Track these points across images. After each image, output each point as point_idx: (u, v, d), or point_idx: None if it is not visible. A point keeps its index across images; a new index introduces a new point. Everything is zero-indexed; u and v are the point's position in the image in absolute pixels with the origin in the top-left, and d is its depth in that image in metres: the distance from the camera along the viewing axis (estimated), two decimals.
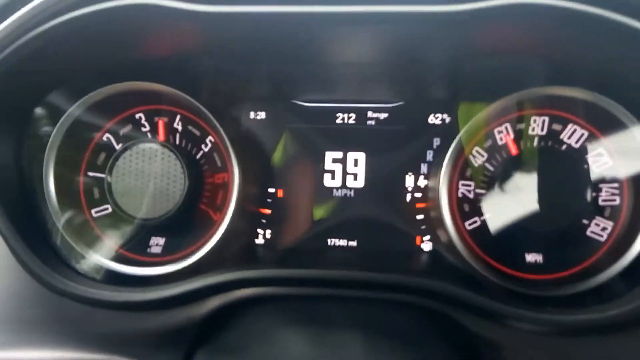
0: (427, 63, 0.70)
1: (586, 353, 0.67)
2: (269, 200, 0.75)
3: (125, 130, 0.76)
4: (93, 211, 0.76)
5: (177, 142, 0.75)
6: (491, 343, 0.69)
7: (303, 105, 0.75)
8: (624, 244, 0.69)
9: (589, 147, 0.70)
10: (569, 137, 0.70)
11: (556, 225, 0.69)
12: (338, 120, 0.74)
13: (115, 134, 0.76)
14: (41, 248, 0.72)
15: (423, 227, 0.73)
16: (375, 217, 0.74)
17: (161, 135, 0.75)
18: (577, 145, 0.70)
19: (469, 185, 0.73)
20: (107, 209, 0.75)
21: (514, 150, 0.71)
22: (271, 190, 0.75)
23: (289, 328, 0.71)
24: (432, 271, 0.72)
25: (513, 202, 0.69)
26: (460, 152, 0.73)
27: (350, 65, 0.71)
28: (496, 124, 0.72)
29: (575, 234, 0.70)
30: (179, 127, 0.75)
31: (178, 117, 0.75)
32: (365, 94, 0.74)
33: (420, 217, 0.73)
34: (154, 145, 0.73)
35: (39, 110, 0.72)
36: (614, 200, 0.70)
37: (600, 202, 0.70)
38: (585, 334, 0.66)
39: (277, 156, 0.75)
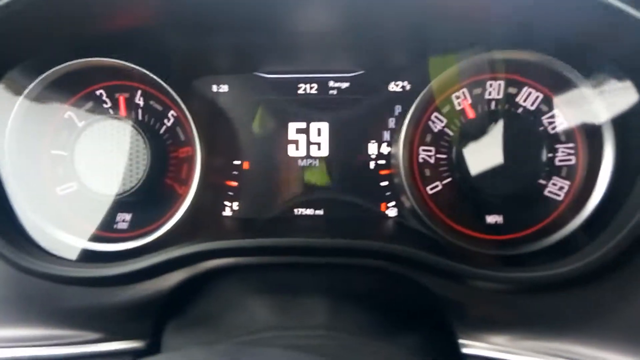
0: (385, 29, 0.71)
1: (546, 308, 0.70)
2: (234, 172, 0.75)
3: (87, 106, 0.75)
4: (58, 189, 0.75)
5: (139, 117, 0.75)
6: (454, 303, 0.71)
7: (265, 77, 0.75)
8: (580, 201, 0.72)
9: (544, 109, 0.72)
10: (525, 100, 0.72)
11: (515, 186, 0.71)
12: (300, 91, 0.75)
13: (77, 110, 0.75)
14: (6, 228, 0.72)
15: (387, 193, 0.75)
16: (340, 186, 0.75)
17: (123, 111, 0.75)
18: (532, 108, 0.72)
19: (430, 151, 0.74)
20: (72, 186, 0.75)
21: (471, 114, 0.73)
22: (236, 162, 0.75)
23: (256, 296, 0.73)
24: (397, 236, 0.74)
25: (472, 165, 0.71)
26: (419, 119, 0.74)
27: (311, 34, 0.72)
28: (453, 89, 0.73)
29: (533, 195, 0.72)
30: (141, 103, 0.75)
31: (139, 92, 0.75)
32: (326, 64, 0.75)
33: (384, 183, 0.75)
34: (116, 122, 0.73)
35: None
36: (570, 160, 0.72)
37: (557, 163, 0.72)
38: (543, 290, 0.69)
39: (241, 128, 0.75)
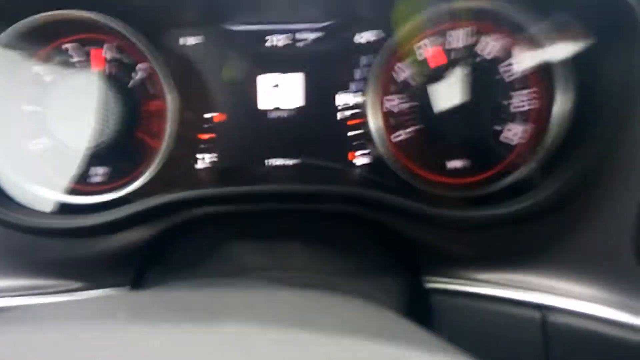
0: None
1: (506, 243, 0.76)
2: (206, 125, 0.77)
3: (56, 60, 0.75)
4: (30, 144, 0.75)
5: (109, 71, 0.75)
6: (420, 242, 0.76)
7: (233, 29, 0.76)
8: (535, 144, 0.76)
9: (502, 57, 0.76)
10: (483, 49, 0.76)
11: (474, 132, 0.76)
12: (268, 43, 0.76)
13: (46, 64, 0.75)
14: None
15: (355, 142, 0.78)
16: (311, 136, 0.78)
17: (92, 65, 0.75)
18: (490, 56, 0.76)
19: (395, 100, 0.77)
20: (43, 141, 0.75)
21: (433, 63, 0.76)
22: (208, 115, 0.77)
23: (234, 243, 0.76)
24: (365, 183, 0.77)
25: (434, 113, 0.75)
26: (385, 69, 0.77)
27: None
28: (417, 39, 0.76)
29: (492, 139, 0.76)
30: (110, 56, 0.75)
31: (108, 45, 0.75)
32: (294, 15, 0.76)
33: (352, 133, 0.78)
34: (86, 75, 0.73)
35: None
36: (524, 105, 0.76)
37: (512, 109, 0.76)
38: (502, 226, 0.75)
39: (212, 81, 0.76)
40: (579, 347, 0.71)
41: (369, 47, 0.76)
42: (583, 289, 0.73)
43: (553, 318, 0.72)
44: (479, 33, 0.75)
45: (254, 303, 0.44)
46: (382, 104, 0.77)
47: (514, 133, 0.77)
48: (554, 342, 0.71)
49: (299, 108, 0.77)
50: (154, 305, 0.42)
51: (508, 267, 0.75)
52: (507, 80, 0.76)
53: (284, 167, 0.77)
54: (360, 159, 0.78)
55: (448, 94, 0.74)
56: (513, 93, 0.76)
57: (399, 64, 0.77)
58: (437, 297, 0.75)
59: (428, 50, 0.76)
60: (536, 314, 0.72)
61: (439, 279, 0.75)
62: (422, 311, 0.75)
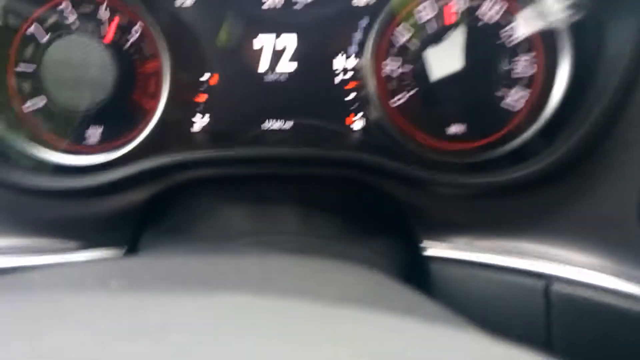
0: None
1: (504, 210, 0.74)
2: (201, 87, 0.76)
3: (52, 20, 0.75)
4: (26, 104, 0.75)
5: (104, 31, 0.75)
6: (418, 209, 0.75)
7: None
8: (537, 110, 0.75)
9: (504, 21, 0.74)
10: (486, 13, 0.74)
11: (475, 97, 0.74)
12: (266, 6, 0.75)
13: (40, 24, 0.74)
14: None
15: (353, 106, 0.76)
16: (308, 99, 0.77)
17: (87, 25, 0.74)
18: (493, 20, 0.74)
19: (394, 64, 0.76)
20: (39, 101, 0.75)
21: (434, 27, 0.75)
22: (204, 77, 0.76)
23: (230, 206, 0.75)
24: (364, 147, 0.76)
25: (434, 77, 0.73)
26: (384, 32, 0.75)
27: None
28: (416, 2, 0.75)
29: (492, 105, 0.75)
30: (105, 16, 0.74)
31: (103, 5, 0.74)
32: None
33: (350, 97, 0.76)
34: (81, 36, 0.73)
35: None
36: (527, 71, 0.75)
37: (515, 74, 0.74)
38: (502, 193, 0.73)
39: (208, 43, 0.76)
40: (582, 317, 0.68)
41: (368, 10, 0.75)
42: (587, 258, 0.71)
43: (556, 287, 0.69)
44: None
45: (250, 273, 0.43)
46: (380, 67, 0.76)
47: (515, 99, 0.75)
48: (556, 312, 0.69)
49: (296, 71, 0.76)
50: (146, 275, 0.41)
51: (509, 235, 0.73)
52: (509, 45, 0.74)
53: (280, 130, 0.76)
54: (358, 122, 0.77)
55: (449, 58, 0.73)
56: (515, 58, 0.74)
57: (397, 28, 0.75)
58: (436, 264, 0.73)
59: (429, 12, 0.74)
60: (539, 283, 0.70)
61: (437, 244, 0.74)
62: (421, 278, 0.73)
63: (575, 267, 0.70)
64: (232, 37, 0.75)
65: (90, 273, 0.43)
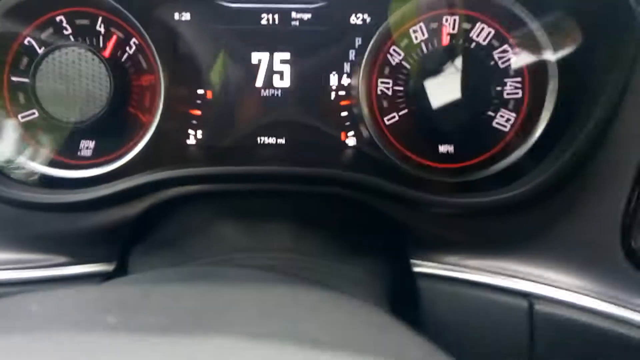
0: None
1: (494, 229, 0.76)
2: (198, 101, 0.76)
3: (47, 33, 0.75)
4: (19, 116, 0.75)
5: (101, 44, 0.75)
6: (409, 227, 0.76)
7: (228, 6, 0.75)
8: (525, 131, 0.76)
9: (496, 44, 0.75)
10: (478, 35, 0.75)
11: (466, 118, 0.75)
12: (263, 21, 0.76)
13: (36, 37, 0.74)
14: None
15: (347, 123, 0.77)
16: (302, 115, 0.77)
17: (84, 38, 0.75)
18: (484, 43, 0.76)
19: (387, 83, 0.77)
20: (33, 113, 0.75)
21: (427, 48, 0.76)
22: (200, 91, 0.76)
23: (222, 222, 0.76)
24: (356, 165, 0.77)
25: (427, 97, 0.74)
26: (379, 51, 0.76)
27: None
28: (411, 23, 0.76)
29: (482, 125, 0.77)
30: (102, 30, 0.75)
31: (100, 19, 0.74)
32: None
33: (344, 114, 0.77)
34: (77, 49, 0.72)
35: None
36: (517, 93, 0.76)
37: (505, 96, 0.76)
38: (492, 213, 0.75)
39: (204, 57, 0.76)
40: (564, 337, 0.71)
41: (364, 28, 0.76)
42: (570, 279, 0.73)
43: (540, 307, 0.72)
44: (475, 19, 0.75)
45: (242, 309, 0.43)
46: (375, 86, 0.77)
47: (506, 119, 0.77)
48: (539, 331, 0.71)
49: (292, 87, 0.77)
50: (141, 306, 0.42)
51: (496, 254, 0.75)
52: (502, 66, 0.76)
53: (274, 145, 0.77)
54: (351, 139, 0.78)
55: (442, 78, 0.74)
56: (507, 80, 0.76)
57: (393, 47, 0.77)
58: (424, 281, 0.75)
59: (423, 34, 0.75)
60: (523, 302, 0.72)
61: (426, 263, 0.75)
62: (409, 295, 0.75)
63: (559, 288, 0.73)
64: (229, 51, 0.76)
65: (85, 303, 0.43)
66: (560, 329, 0.71)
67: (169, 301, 0.43)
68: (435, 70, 0.74)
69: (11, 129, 0.75)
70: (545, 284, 0.73)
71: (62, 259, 0.73)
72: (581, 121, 0.69)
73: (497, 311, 0.73)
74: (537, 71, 0.75)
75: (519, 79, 0.76)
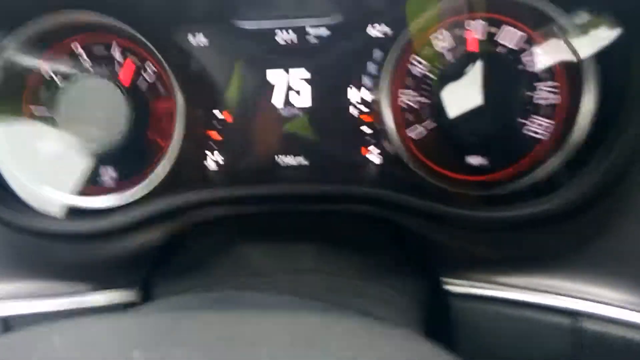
0: None
1: (528, 244, 0.72)
2: (216, 123, 0.75)
3: (64, 62, 0.75)
4: (40, 146, 0.75)
5: (118, 71, 0.74)
6: (438, 244, 0.73)
7: (242, 26, 0.74)
8: (560, 139, 0.72)
9: (524, 47, 0.71)
10: (505, 39, 0.72)
11: (495, 126, 0.71)
12: (278, 39, 0.74)
13: (54, 67, 0.75)
14: None
15: (369, 139, 0.75)
16: (324, 133, 0.75)
17: (101, 66, 0.74)
18: (512, 47, 0.71)
19: (410, 95, 0.74)
20: (53, 143, 0.74)
21: (451, 56, 0.72)
22: (218, 113, 0.75)
23: (244, 245, 0.74)
24: (381, 181, 0.74)
25: (453, 107, 0.71)
26: (400, 62, 0.73)
27: None
28: (433, 31, 0.73)
29: (514, 134, 0.72)
30: (118, 57, 0.74)
31: (116, 46, 0.74)
32: (304, 10, 0.73)
33: (366, 129, 0.75)
34: (94, 77, 0.72)
35: None
36: (550, 98, 0.72)
37: (537, 101, 0.72)
38: (525, 227, 0.70)
39: (221, 80, 0.75)
40: (612, 356, 0.66)
41: (383, 39, 0.73)
42: (616, 294, 0.68)
43: (584, 325, 0.67)
44: (500, 22, 0.71)
45: (266, 332, 0.42)
46: (397, 98, 0.74)
47: (538, 127, 0.72)
48: (585, 351, 0.67)
49: (311, 104, 0.75)
50: (166, 338, 0.40)
51: (534, 270, 0.71)
52: (531, 70, 0.72)
53: (295, 165, 0.75)
54: (375, 155, 0.75)
55: (468, 86, 0.71)
56: (537, 84, 0.72)
57: (414, 57, 0.73)
58: (458, 301, 0.71)
59: (446, 41, 0.72)
60: (566, 321, 0.67)
61: (459, 282, 0.71)
62: (443, 317, 0.71)
63: (605, 304, 0.67)
64: (246, 72, 0.74)
65: (109, 335, 0.42)
66: (608, 347, 0.66)
67: (195, 332, 0.42)
68: (460, 77, 0.70)
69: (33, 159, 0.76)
70: (590, 301, 0.68)
71: (84, 288, 0.72)
72: (621, 126, 0.65)
73: (539, 331, 0.69)
74: (571, 73, 0.70)
75: (551, 83, 0.71)
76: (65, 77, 0.73)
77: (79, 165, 0.75)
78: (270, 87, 0.75)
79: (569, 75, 0.71)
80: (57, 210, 0.74)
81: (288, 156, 0.75)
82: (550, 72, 0.71)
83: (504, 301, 0.70)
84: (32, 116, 0.75)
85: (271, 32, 0.74)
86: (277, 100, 0.75)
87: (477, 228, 0.71)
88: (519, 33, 0.71)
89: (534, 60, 0.71)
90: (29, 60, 0.75)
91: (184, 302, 0.57)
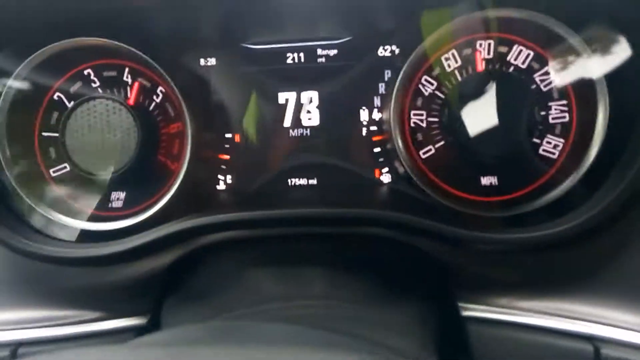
0: None
1: (545, 267, 0.69)
2: (226, 145, 0.75)
3: (75, 87, 0.75)
4: (51, 171, 0.76)
5: (128, 95, 0.75)
6: (452, 267, 0.71)
7: (252, 48, 0.74)
8: (575, 159, 0.70)
9: (536, 67, 0.71)
10: (516, 59, 0.71)
11: (508, 146, 0.70)
12: (289, 61, 0.74)
13: (65, 91, 0.75)
14: (2, 211, 0.72)
15: (380, 159, 0.74)
16: (333, 154, 0.74)
17: (111, 90, 0.75)
18: (524, 66, 0.71)
19: (421, 115, 0.73)
20: (65, 167, 0.75)
21: (461, 75, 0.72)
22: (228, 135, 0.75)
23: (255, 269, 0.73)
24: (392, 202, 0.73)
25: (465, 127, 0.70)
26: (410, 82, 0.73)
27: (296, 1, 0.71)
28: (443, 51, 0.72)
29: (527, 154, 0.71)
30: (129, 80, 0.75)
31: (127, 70, 0.75)
32: (313, 32, 0.74)
33: (377, 150, 0.74)
34: (105, 100, 0.72)
35: None
36: (563, 117, 0.71)
37: (550, 120, 0.71)
38: (542, 249, 0.68)
39: (231, 101, 0.75)
40: None
41: (393, 60, 0.73)
42: (636, 318, 0.65)
43: (607, 351, 0.64)
44: (511, 42, 0.71)
45: None
46: (408, 118, 0.73)
47: (553, 146, 0.71)
48: None
49: (322, 125, 0.74)
50: None
51: (553, 293, 0.68)
52: (544, 89, 0.71)
53: (306, 186, 0.74)
54: (386, 176, 0.74)
55: (480, 106, 0.70)
56: (551, 103, 0.71)
57: (425, 77, 0.73)
58: (474, 326, 0.69)
59: (456, 61, 0.72)
60: (588, 347, 0.65)
61: (476, 306, 0.69)
62: (459, 343, 0.69)
63: (627, 329, 0.65)
64: (256, 94, 0.74)
65: None
66: None
67: None
68: (471, 97, 0.70)
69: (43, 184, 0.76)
70: (611, 325, 0.66)
71: (94, 314, 0.71)
72: (636, 145, 0.63)
73: (559, 357, 0.66)
74: (584, 91, 0.70)
75: (564, 102, 0.70)
76: (76, 101, 0.73)
77: (91, 189, 0.75)
78: (281, 109, 0.75)
79: (580, 93, 0.70)
80: (68, 235, 0.74)
81: (298, 178, 0.75)
82: (563, 91, 0.71)
83: (522, 326, 0.67)
84: (44, 140, 0.76)
85: (282, 55, 0.74)
86: (288, 121, 0.75)
87: (491, 250, 0.69)
88: (531, 52, 0.71)
89: (547, 79, 0.70)
90: (42, 85, 0.75)
91: (188, 333, 0.56)
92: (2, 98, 0.74)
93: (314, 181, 0.74)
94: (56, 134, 0.74)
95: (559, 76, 0.70)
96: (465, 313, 0.70)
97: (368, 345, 0.48)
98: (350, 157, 0.74)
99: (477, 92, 0.70)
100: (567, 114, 0.71)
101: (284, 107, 0.75)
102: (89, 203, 0.76)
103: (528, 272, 0.70)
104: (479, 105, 0.70)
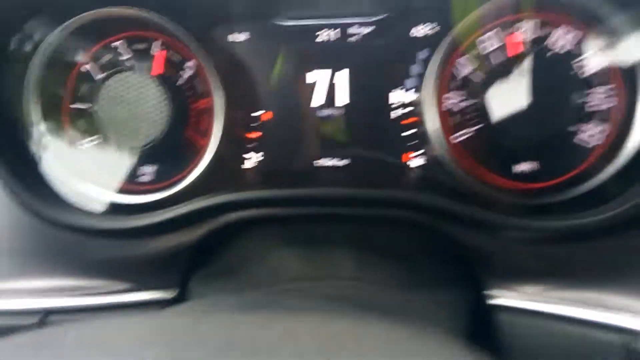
0: None
1: (577, 257, 0.68)
2: (254, 123, 0.74)
3: (106, 58, 0.75)
4: (81, 142, 0.76)
5: (158, 68, 0.74)
6: (482, 253, 0.70)
7: (284, 25, 0.73)
8: (614, 148, 0.68)
9: (576, 51, 0.68)
10: (555, 42, 0.69)
11: (545, 133, 0.68)
12: (320, 38, 0.72)
13: (95, 62, 0.75)
14: (32, 181, 0.73)
15: (411, 142, 0.72)
16: (363, 135, 0.73)
17: (142, 63, 0.74)
18: (563, 50, 0.68)
19: (455, 98, 0.71)
20: (94, 139, 0.75)
21: (499, 58, 0.70)
22: (256, 113, 0.74)
23: (282, 248, 0.73)
24: (423, 186, 0.72)
25: (501, 111, 0.68)
26: (444, 64, 0.71)
27: None
28: (480, 32, 0.70)
29: (564, 142, 0.69)
30: (159, 54, 0.74)
31: (157, 42, 0.74)
32: (347, 8, 0.72)
33: (407, 133, 0.72)
34: (135, 73, 0.72)
35: (16, 40, 0.72)
36: (603, 104, 0.68)
37: (589, 108, 0.68)
38: (574, 239, 0.67)
39: (261, 78, 0.74)
40: None
41: (426, 41, 0.71)
42: None
43: (638, 344, 0.63)
44: (551, 24, 0.69)
45: (294, 339, 0.40)
46: (440, 102, 0.72)
47: (590, 134, 0.69)
48: None
49: (351, 106, 0.73)
50: (186, 339, 0.40)
51: (584, 284, 0.67)
52: (582, 76, 0.68)
53: (333, 167, 0.73)
54: (416, 160, 0.72)
55: (516, 90, 0.68)
56: (589, 90, 0.68)
57: (459, 59, 0.71)
58: (503, 315, 0.68)
59: (494, 42, 0.70)
60: (619, 339, 0.63)
61: (504, 294, 0.68)
62: (487, 331, 0.68)
63: None
64: (285, 71, 0.73)
65: (126, 334, 0.41)
66: None
67: (218, 333, 0.40)
68: (507, 81, 0.68)
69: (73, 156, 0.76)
70: None
71: (123, 286, 0.72)
72: None
73: (589, 349, 0.65)
74: (627, 77, 0.67)
75: (604, 88, 0.68)
76: (107, 73, 0.73)
77: (119, 162, 0.75)
78: (311, 87, 0.73)
79: (623, 79, 0.68)
80: (97, 206, 0.74)
81: (326, 158, 0.74)
82: (604, 75, 0.68)
83: (552, 316, 0.66)
84: (74, 111, 0.76)
85: (313, 31, 0.73)
86: (317, 100, 0.74)
87: (524, 238, 0.68)
88: (570, 34, 0.68)
89: (587, 63, 0.68)
90: (72, 55, 0.75)
91: (211, 304, 0.56)
92: (33, 66, 0.74)
93: (341, 162, 0.73)
94: (86, 105, 0.74)
95: (600, 61, 0.68)
96: (494, 301, 0.69)
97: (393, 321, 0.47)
98: (379, 138, 0.73)
99: (513, 76, 0.68)
100: (606, 102, 0.68)
101: (313, 86, 0.73)
102: (118, 176, 0.75)
103: (560, 261, 0.68)
104: (516, 89, 0.68)
